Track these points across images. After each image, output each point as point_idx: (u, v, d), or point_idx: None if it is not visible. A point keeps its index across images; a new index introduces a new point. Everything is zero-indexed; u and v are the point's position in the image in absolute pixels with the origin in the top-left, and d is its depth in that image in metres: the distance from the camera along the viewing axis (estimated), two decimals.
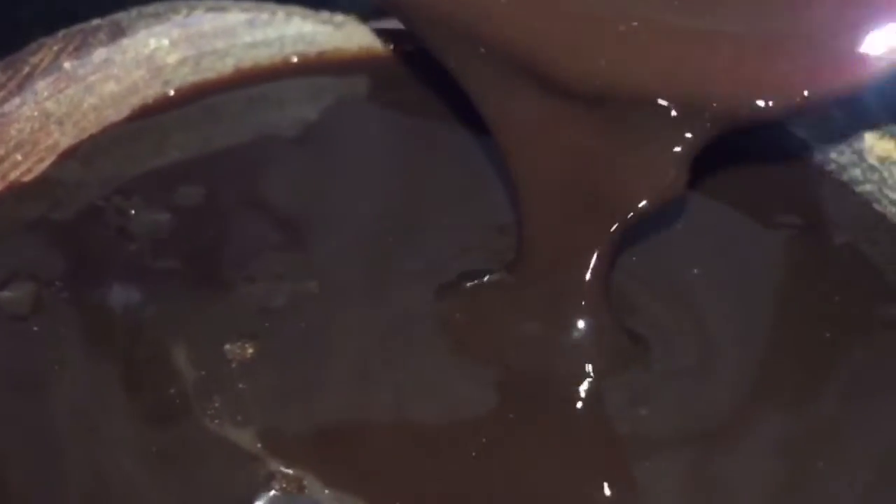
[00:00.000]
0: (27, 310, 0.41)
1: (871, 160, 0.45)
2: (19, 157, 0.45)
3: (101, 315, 0.42)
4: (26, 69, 0.46)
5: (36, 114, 0.45)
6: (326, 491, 0.38)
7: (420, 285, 0.43)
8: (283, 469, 0.38)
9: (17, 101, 0.45)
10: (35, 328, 0.41)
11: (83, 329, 0.41)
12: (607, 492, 0.39)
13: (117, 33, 0.47)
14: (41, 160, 0.45)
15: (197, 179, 0.45)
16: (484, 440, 0.39)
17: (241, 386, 0.40)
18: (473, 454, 0.39)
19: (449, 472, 0.39)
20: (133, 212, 0.44)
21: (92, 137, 0.46)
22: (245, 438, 0.39)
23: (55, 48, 0.46)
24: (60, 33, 0.46)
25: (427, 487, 0.39)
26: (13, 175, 0.45)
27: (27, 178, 0.45)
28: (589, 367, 0.41)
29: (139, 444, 0.39)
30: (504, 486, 0.39)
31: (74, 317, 0.41)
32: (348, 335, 0.42)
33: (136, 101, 0.47)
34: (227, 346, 0.41)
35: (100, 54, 0.46)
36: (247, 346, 0.41)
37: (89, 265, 0.43)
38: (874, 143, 0.45)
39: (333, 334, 0.42)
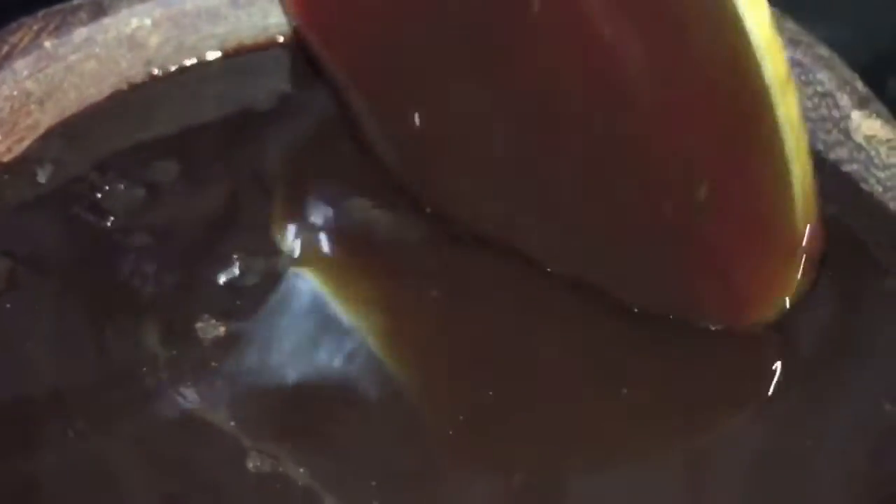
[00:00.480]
0: (1, 287, 0.41)
1: (858, 139, 0.44)
2: None
3: (75, 293, 0.42)
4: (5, 48, 0.45)
5: (15, 93, 0.45)
6: (301, 469, 0.38)
7: (404, 251, 0.43)
8: (256, 447, 0.38)
9: None
10: (8, 305, 0.41)
11: (56, 307, 0.41)
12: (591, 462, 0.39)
13: (98, 12, 0.47)
14: (21, 140, 0.45)
15: (175, 157, 0.45)
16: (462, 417, 0.39)
17: (213, 364, 0.40)
18: (451, 433, 0.39)
19: (424, 449, 0.39)
20: (107, 188, 0.44)
21: (72, 117, 0.46)
22: (218, 417, 0.39)
23: (35, 27, 0.46)
24: (41, 13, 0.46)
25: (402, 465, 0.39)
26: None
27: (6, 158, 0.45)
28: None
29: (111, 424, 0.39)
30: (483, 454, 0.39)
31: (48, 294, 0.42)
32: (323, 313, 0.42)
33: (116, 81, 0.47)
34: (199, 325, 0.41)
35: (80, 33, 0.46)
36: (219, 324, 0.41)
37: (64, 243, 0.43)
38: (861, 122, 0.44)
39: (307, 312, 0.42)
